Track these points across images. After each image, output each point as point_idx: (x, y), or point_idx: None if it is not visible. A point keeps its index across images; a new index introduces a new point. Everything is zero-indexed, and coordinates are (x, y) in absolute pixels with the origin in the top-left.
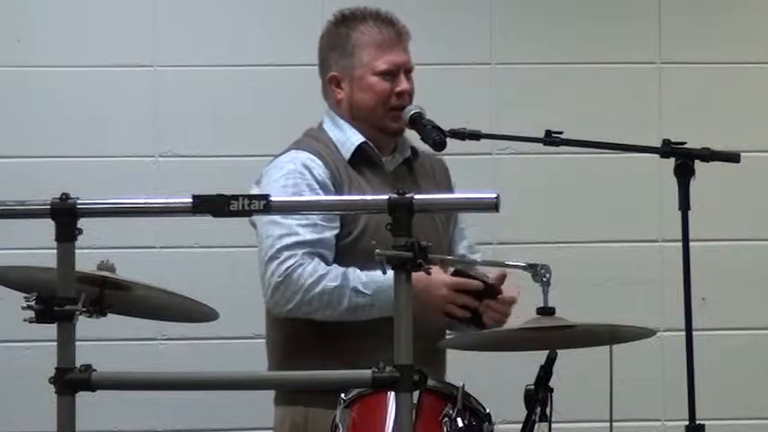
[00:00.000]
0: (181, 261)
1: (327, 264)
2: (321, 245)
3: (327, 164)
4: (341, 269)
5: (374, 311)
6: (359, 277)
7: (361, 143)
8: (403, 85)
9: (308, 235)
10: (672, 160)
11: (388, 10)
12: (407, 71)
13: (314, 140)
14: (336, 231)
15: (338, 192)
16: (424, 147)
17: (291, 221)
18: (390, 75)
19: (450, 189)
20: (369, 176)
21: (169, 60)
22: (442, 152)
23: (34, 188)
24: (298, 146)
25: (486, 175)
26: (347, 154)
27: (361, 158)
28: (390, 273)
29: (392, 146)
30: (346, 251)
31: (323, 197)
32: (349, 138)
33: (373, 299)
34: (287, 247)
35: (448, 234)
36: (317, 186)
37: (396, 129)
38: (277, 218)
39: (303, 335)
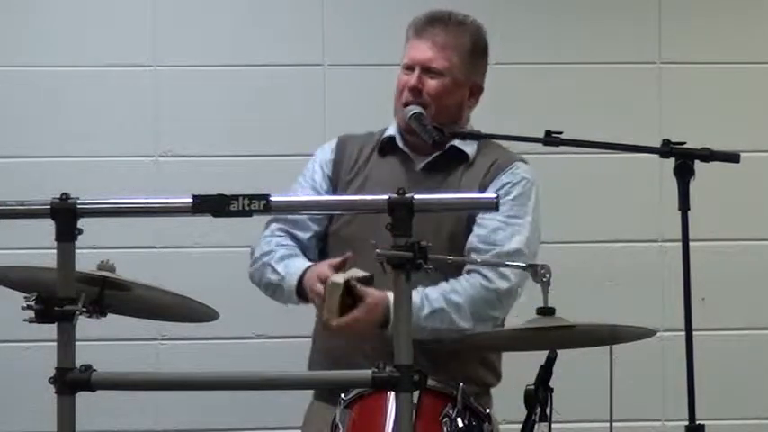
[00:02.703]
0: (181, 261)
1: (297, 241)
2: (293, 223)
3: (341, 147)
4: (279, 252)
5: (285, 294)
6: (284, 262)
7: (388, 136)
8: (411, 80)
9: None
10: (672, 160)
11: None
12: (426, 69)
13: (372, 131)
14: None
15: (341, 168)
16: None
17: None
18: (410, 69)
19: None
20: (393, 164)
21: (169, 60)
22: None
23: (34, 188)
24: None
25: None
26: (378, 143)
27: (389, 150)
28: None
29: (426, 142)
30: (332, 237)
31: (323, 197)
32: (388, 130)
33: (282, 279)
34: (271, 220)
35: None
36: (317, 161)
37: (402, 124)
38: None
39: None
